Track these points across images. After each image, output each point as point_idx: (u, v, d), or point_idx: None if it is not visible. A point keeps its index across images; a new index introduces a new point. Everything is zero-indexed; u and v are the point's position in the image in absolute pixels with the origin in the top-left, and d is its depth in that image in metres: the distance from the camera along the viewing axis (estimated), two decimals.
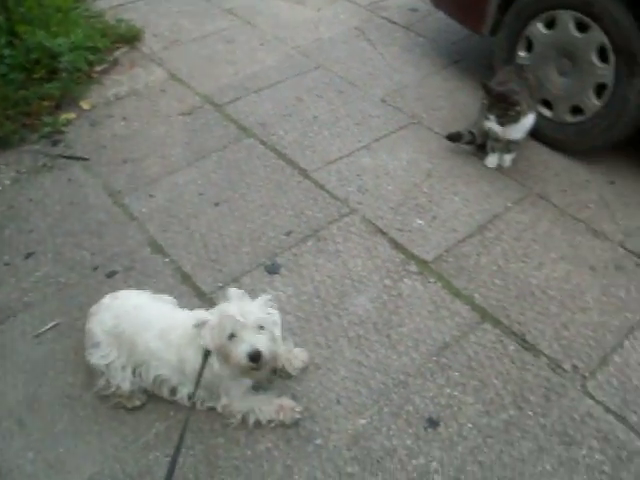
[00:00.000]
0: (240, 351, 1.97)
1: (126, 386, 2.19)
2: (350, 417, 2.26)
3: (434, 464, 2.13)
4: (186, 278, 2.74)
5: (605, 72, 3.08)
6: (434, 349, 2.48)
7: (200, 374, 2.07)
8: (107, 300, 2.24)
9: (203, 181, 3.24)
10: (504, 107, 3.01)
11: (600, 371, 2.42)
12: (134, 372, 2.20)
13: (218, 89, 3.93)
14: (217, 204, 3.10)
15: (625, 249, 2.92)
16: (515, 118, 3.05)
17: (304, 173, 3.31)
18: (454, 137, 3.39)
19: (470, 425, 2.24)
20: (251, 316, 1.99)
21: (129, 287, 2.67)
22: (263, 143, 3.50)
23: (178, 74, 4.07)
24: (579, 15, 3.08)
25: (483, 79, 3.26)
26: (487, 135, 3.32)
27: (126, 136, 3.53)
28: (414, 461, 2.14)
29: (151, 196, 3.15)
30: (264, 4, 4.93)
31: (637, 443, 2.18)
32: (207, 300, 2.63)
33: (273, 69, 4.14)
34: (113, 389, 2.20)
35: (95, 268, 2.79)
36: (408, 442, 2.19)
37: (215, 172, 3.30)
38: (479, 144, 3.41)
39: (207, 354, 2.08)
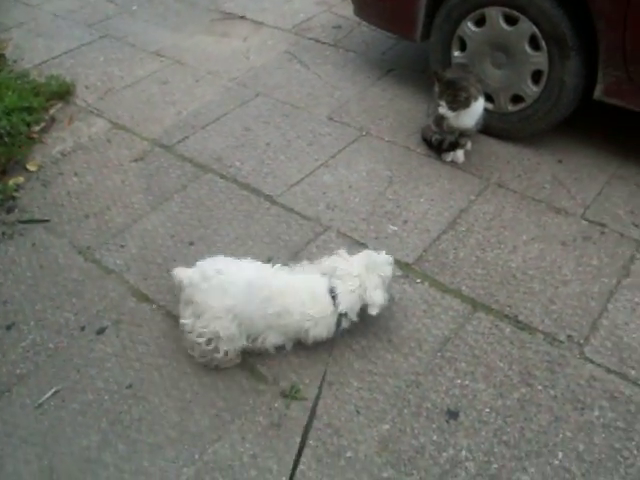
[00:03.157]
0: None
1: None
2: (373, 424, 2.29)
3: (463, 453, 2.20)
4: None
5: (539, 59, 3.24)
6: (436, 345, 2.55)
7: None
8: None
9: (172, 223, 3.21)
10: (454, 93, 3.15)
11: (593, 336, 2.55)
12: None
13: (164, 131, 3.92)
14: (192, 243, 3.08)
15: (587, 220, 3.08)
16: (465, 103, 3.18)
17: (270, 199, 3.33)
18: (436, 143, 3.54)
19: (487, 409, 2.32)
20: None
21: (122, 340, 2.65)
22: (223, 177, 3.50)
23: (120, 122, 4.02)
24: (507, 10, 3.23)
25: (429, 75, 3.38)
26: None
27: (82, 191, 3.46)
28: (444, 454, 2.20)
29: (122, 246, 3.10)
30: (189, 42, 4.94)
31: None
32: None
33: (214, 103, 4.16)
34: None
35: (82, 328, 2.72)
36: (434, 437, 2.24)
37: (182, 212, 3.28)
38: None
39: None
